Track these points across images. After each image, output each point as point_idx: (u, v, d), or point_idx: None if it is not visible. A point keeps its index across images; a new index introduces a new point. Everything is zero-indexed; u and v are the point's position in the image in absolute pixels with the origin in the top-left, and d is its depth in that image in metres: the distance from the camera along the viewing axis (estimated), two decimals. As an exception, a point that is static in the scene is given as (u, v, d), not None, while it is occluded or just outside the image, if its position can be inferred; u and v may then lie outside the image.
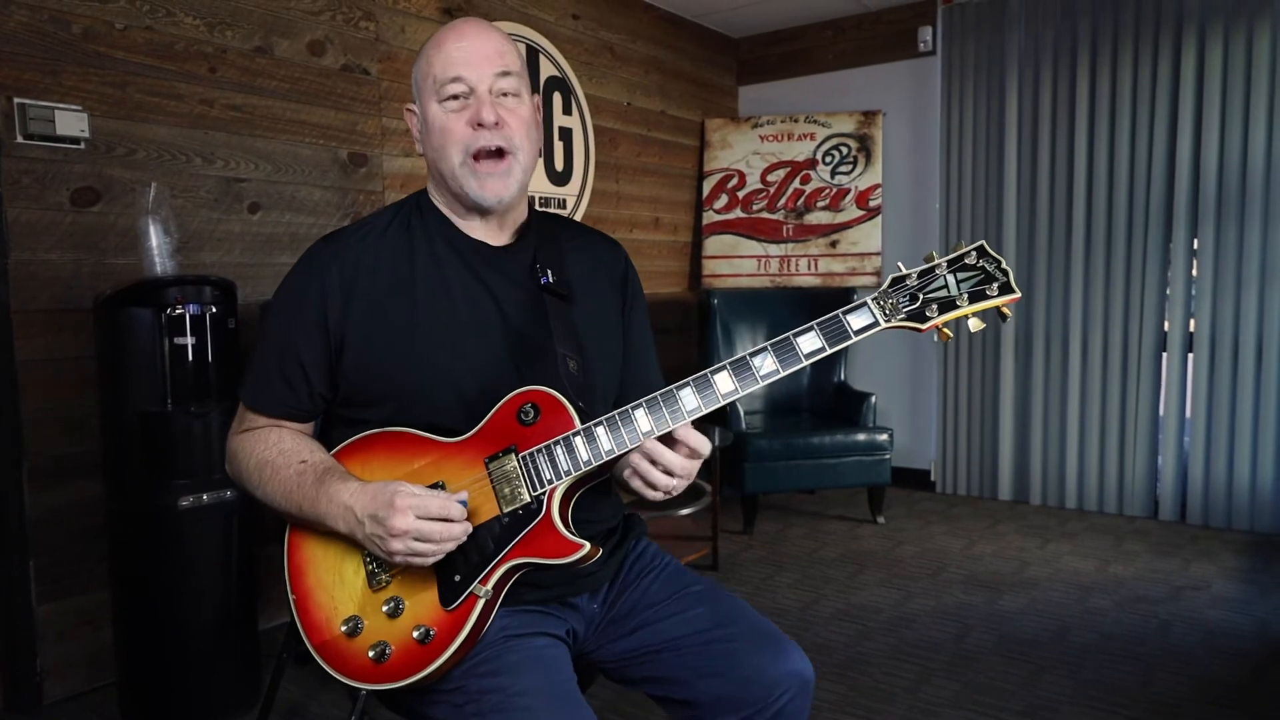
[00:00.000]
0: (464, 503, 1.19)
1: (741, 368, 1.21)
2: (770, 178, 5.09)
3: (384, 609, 1.23)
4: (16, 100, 2.45)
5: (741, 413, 4.22)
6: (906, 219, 4.91)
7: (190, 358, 2.38)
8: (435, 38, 1.33)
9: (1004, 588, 3.40)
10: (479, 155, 1.30)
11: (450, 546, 1.17)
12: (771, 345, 1.21)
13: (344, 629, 1.23)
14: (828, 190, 5.00)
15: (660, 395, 1.22)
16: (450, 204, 1.37)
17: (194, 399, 2.39)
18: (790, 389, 4.80)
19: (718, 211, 5.16)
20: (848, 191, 4.97)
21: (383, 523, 1.15)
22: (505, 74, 1.30)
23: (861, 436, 4.16)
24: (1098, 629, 2.99)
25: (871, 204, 4.93)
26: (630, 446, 1.22)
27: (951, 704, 2.50)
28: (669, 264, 5.05)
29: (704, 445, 1.23)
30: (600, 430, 1.22)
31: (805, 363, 1.21)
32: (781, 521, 4.38)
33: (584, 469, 1.21)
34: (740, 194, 5.13)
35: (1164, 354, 4.20)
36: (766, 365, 1.21)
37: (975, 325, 1.22)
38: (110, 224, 2.67)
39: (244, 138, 2.99)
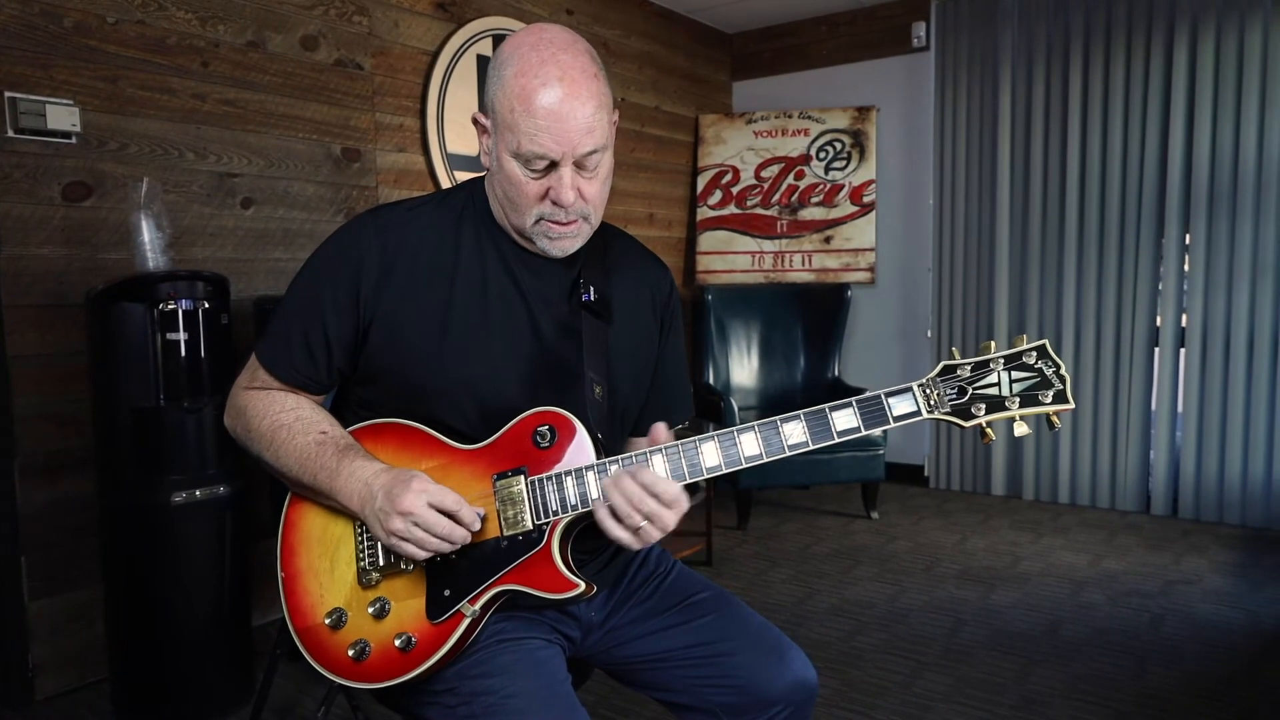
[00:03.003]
0: (481, 516, 1.17)
1: (770, 433, 1.18)
2: (764, 173, 5.09)
3: (370, 608, 1.21)
4: (8, 94, 2.44)
5: (735, 408, 4.22)
6: (900, 214, 4.92)
7: (183, 353, 2.37)
8: (522, 82, 1.15)
9: (997, 582, 3.41)
10: (553, 220, 1.23)
11: (445, 547, 1.15)
12: (805, 415, 1.17)
13: (328, 620, 1.22)
14: (822, 186, 5.00)
15: (681, 446, 1.18)
16: (500, 215, 1.31)
17: (187, 395, 2.38)
18: (784, 384, 4.80)
19: (712, 207, 5.16)
20: (842, 187, 4.97)
21: (393, 499, 1.13)
22: (593, 150, 1.18)
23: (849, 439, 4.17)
24: (1090, 623, 3.01)
25: (865, 200, 4.93)
26: None
27: (944, 698, 2.51)
28: (663, 260, 5.04)
29: (666, 488, 1.14)
30: (615, 470, 1.17)
31: (836, 439, 1.17)
32: (776, 517, 4.39)
33: (591, 507, 1.17)
34: (734, 190, 5.13)
35: (1156, 349, 4.21)
36: (796, 435, 1.17)
37: (1021, 430, 1.17)
38: (102, 219, 2.65)
39: (237, 132, 2.98)
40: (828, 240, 5.00)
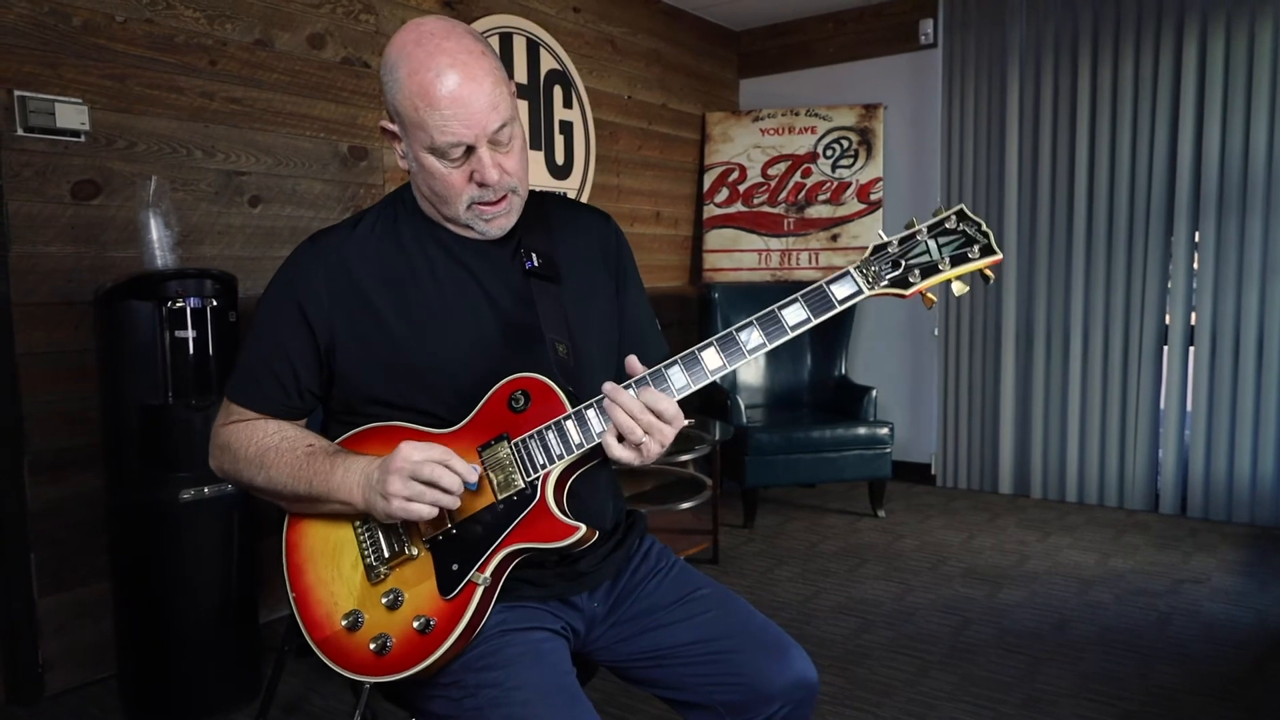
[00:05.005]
0: (476, 471, 1.19)
1: (728, 343, 1.22)
2: (771, 171, 5.08)
3: (383, 601, 1.23)
4: (17, 93, 2.45)
5: (742, 406, 4.22)
6: (907, 213, 4.90)
7: (191, 351, 2.38)
8: (418, 79, 1.18)
9: (1004, 581, 3.40)
10: (483, 202, 1.27)
11: (446, 499, 1.16)
12: (757, 319, 1.22)
13: (344, 624, 1.23)
14: (828, 184, 4.99)
15: (649, 375, 1.22)
16: (431, 211, 1.34)
17: (195, 392, 2.39)
18: (791, 382, 4.80)
19: (718, 205, 5.15)
20: (849, 185, 4.96)
21: (385, 467, 1.17)
22: (502, 124, 1.21)
23: (862, 430, 4.16)
24: (1097, 622, 3.00)
25: (872, 198, 4.92)
26: None
27: (951, 696, 2.51)
28: (669, 258, 5.05)
29: (667, 405, 1.19)
30: (590, 413, 1.22)
31: (791, 334, 1.22)
32: (782, 515, 4.38)
33: (576, 452, 1.22)
34: (741, 188, 5.13)
35: (1165, 347, 4.20)
36: (753, 339, 1.22)
37: (959, 289, 1.23)
38: (110, 217, 2.66)
39: (244, 131, 2.99)
40: (834, 238, 4.99)
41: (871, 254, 1.24)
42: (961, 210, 1.24)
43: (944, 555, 3.72)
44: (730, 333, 1.22)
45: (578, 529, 1.20)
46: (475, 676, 1.20)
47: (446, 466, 1.16)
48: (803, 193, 5.03)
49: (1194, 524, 4.08)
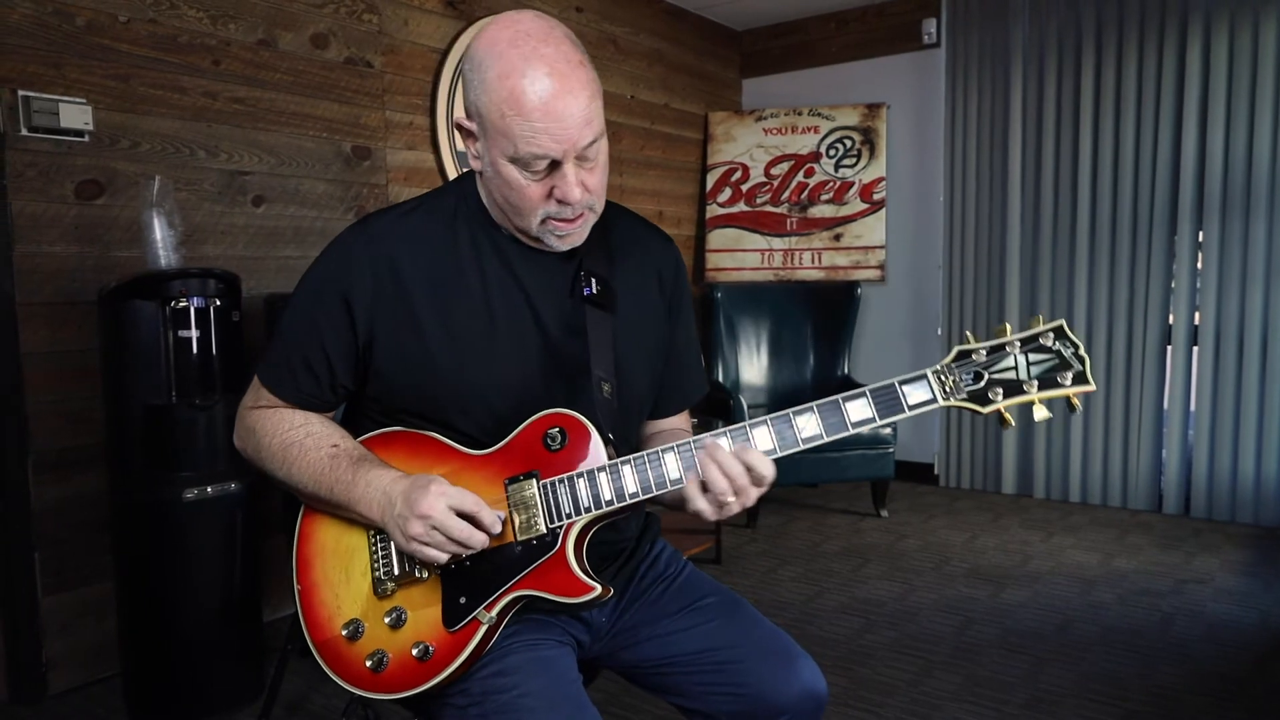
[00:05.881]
0: (501, 519, 1.16)
1: (783, 426, 1.16)
2: (774, 171, 5.08)
3: (386, 618, 1.20)
4: (21, 93, 2.45)
5: (745, 406, 4.22)
6: (910, 212, 4.90)
7: (194, 351, 2.38)
8: (509, 84, 1.10)
9: (1007, 581, 3.40)
10: (560, 218, 1.20)
11: (464, 551, 1.14)
12: (818, 406, 1.15)
13: (345, 631, 1.21)
14: (831, 183, 4.99)
15: (693, 442, 1.16)
16: (499, 216, 1.27)
17: (198, 392, 2.39)
18: (794, 382, 4.79)
19: (721, 205, 5.15)
20: (851, 185, 4.96)
21: (412, 503, 1.12)
22: (593, 140, 1.15)
23: (865, 430, 4.16)
24: (1100, 622, 2.99)
25: (875, 197, 4.92)
26: (656, 492, 1.16)
27: (954, 697, 2.50)
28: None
29: (766, 469, 1.13)
30: (627, 470, 1.16)
31: (850, 431, 1.14)
32: (785, 515, 4.38)
33: (605, 509, 1.16)
34: (744, 187, 5.13)
35: (1169, 347, 4.19)
36: (809, 428, 1.15)
37: (1040, 414, 1.13)
38: (114, 217, 2.67)
39: (247, 130, 2.99)
40: (837, 238, 4.99)
41: (954, 359, 1.15)
42: (1061, 327, 1.14)
43: (947, 555, 3.71)
44: (788, 415, 1.16)
45: (592, 589, 1.15)
46: (481, 685, 1.18)
47: (476, 520, 1.13)
48: (805, 192, 5.03)
49: (1197, 524, 4.07)
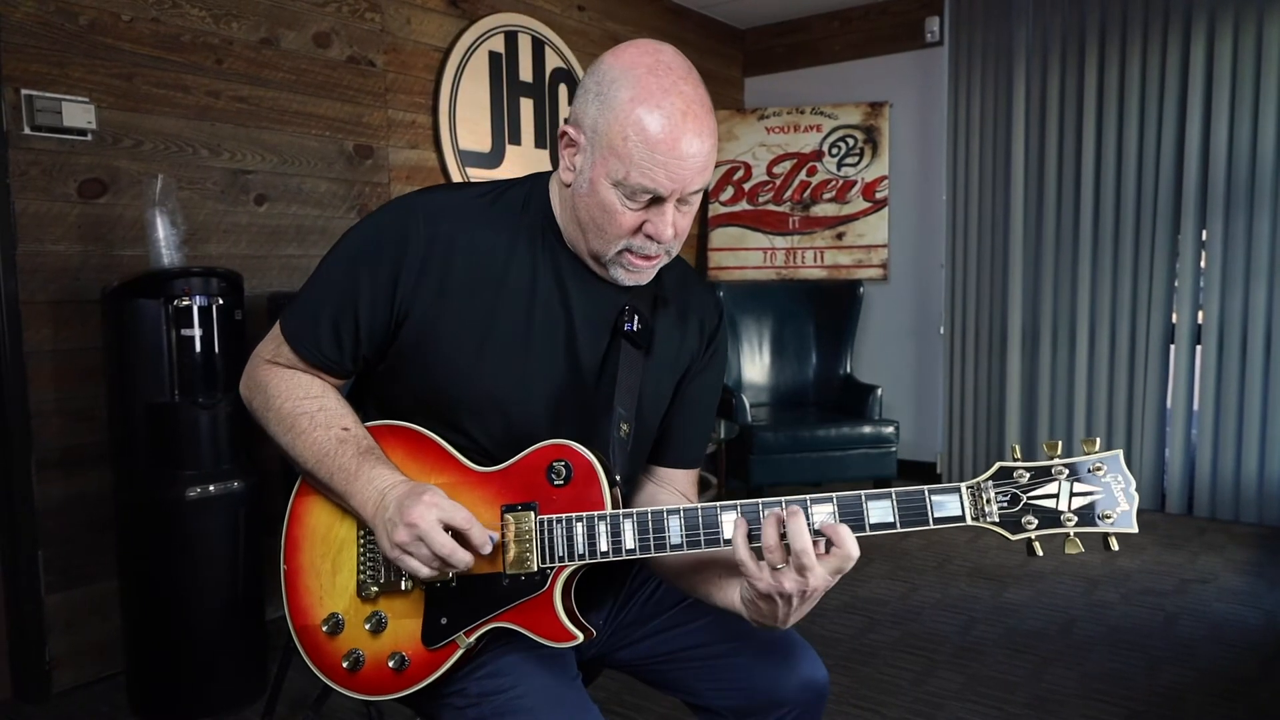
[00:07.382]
0: (492, 539, 1.12)
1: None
2: (776, 170, 5.08)
3: (366, 622, 1.19)
4: (24, 92, 2.45)
5: (748, 405, 4.22)
6: (913, 211, 4.90)
7: (197, 349, 2.38)
8: (641, 111, 1.07)
9: (1010, 580, 3.40)
10: (640, 254, 1.17)
11: (445, 569, 1.10)
12: (837, 498, 1.06)
13: (325, 626, 1.20)
14: (834, 182, 4.98)
15: (701, 511, 1.09)
16: (573, 233, 1.22)
17: (201, 390, 2.39)
18: (796, 381, 4.79)
19: (723, 204, 5.15)
20: (854, 183, 4.96)
21: (403, 510, 1.08)
22: (700, 188, 1.13)
23: (867, 429, 4.16)
24: (1104, 622, 2.99)
25: (878, 196, 4.92)
26: (655, 554, 1.11)
27: (957, 696, 2.50)
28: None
29: (852, 551, 1.02)
30: (628, 525, 1.11)
31: (869, 532, 1.05)
32: (787, 514, 4.37)
33: (598, 560, 1.11)
34: (746, 186, 5.12)
35: (1172, 346, 4.18)
36: (823, 515, 1.07)
37: (1072, 549, 1.04)
38: (117, 215, 2.67)
39: (250, 129, 2.99)
40: (840, 237, 4.98)
41: (992, 475, 1.05)
42: (1117, 458, 1.04)
43: (950, 554, 3.71)
44: (805, 502, 1.07)
45: (574, 637, 1.11)
46: (479, 685, 1.17)
47: (465, 538, 1.09)
48: (808, 191, 5.03)
49: (1201, 523, 4.06)
